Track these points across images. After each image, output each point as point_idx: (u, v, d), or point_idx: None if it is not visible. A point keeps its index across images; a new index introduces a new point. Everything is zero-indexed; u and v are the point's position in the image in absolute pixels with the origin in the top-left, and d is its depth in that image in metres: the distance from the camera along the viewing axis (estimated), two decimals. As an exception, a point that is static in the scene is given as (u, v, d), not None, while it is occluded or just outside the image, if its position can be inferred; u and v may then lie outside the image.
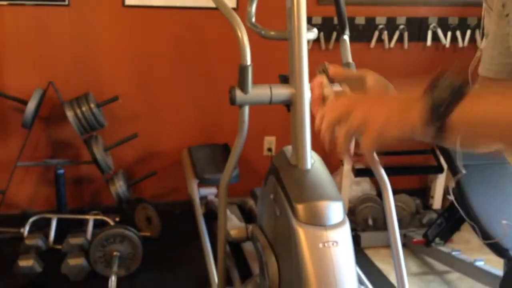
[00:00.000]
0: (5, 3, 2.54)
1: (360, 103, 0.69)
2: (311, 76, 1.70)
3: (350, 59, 1.78)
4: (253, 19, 1.93)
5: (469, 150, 0.65)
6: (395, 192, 2.07)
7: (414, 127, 0.63)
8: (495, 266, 2.28)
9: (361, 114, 0.67)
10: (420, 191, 3.14)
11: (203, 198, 2.77)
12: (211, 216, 2.53)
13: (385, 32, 2.94)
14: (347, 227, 1.53)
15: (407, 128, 0.64)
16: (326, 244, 1.47)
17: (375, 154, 1.89)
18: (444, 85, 0.61)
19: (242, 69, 1.61)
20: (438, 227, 2.47)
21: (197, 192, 2.63)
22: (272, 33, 1.73)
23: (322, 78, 0.93)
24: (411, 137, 0.64)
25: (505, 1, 0.80)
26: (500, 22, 0.83)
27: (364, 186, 2.99)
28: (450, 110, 0.60)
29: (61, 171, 2.62)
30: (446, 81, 0.62)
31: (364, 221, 2.78)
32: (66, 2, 2.60)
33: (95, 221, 2.60)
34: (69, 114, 2.45)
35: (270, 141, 2.97)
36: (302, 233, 1.49)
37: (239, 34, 1.60)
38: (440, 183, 2.99)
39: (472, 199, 2.19)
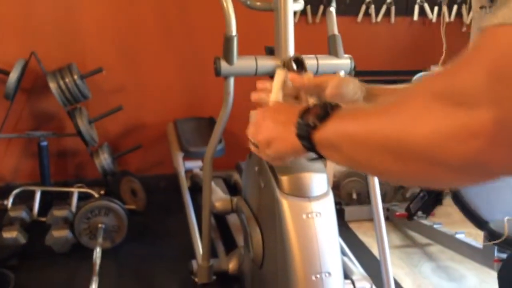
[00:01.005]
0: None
1: (258, 130, 0.80)
2: (297, 49, 1.69)
3: (336, 31, 1.77)
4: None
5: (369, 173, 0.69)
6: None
7: (294, 145, 0.70)
8: (475, 239, 2.32)
9: (259, 138, 0.80)
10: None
11: (188, 171, 2.77)
12: (196, 189, 2.54)
13: (372, 6, 2.92)
14: (330, 199, 1.55)
15: (290, 145, 0.71)
16: (309, 215, 1.48)
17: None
18: (304, 120, 0.67)
19: (227, 40, 1.60)
20: (420, 201, 2.50)
21: (182, 165, 2.63)
22: (258, 3, 1.71)
23: (266, 84, 0.94)
24: (298, 153, 0.71)
25: None
26: None
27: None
28: (310, 138, 0.66)
29: (44, 143, 2.60)
30: (306, 115, 0.67)
31: (348, 195, 2.81)
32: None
33: (80, 193, 2.60)
34: (52, 85, 2.41)
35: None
36: (286, 204, 1.51)
37: (224, 4, 1.58)
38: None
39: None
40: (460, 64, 0.49)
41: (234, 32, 1.60)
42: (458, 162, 0.49)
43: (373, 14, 2.92)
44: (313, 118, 0.65)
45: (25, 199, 2.55)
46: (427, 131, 0.50)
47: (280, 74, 0.93)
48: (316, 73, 1.75)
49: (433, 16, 2.97)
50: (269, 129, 0.77)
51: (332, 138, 0.63)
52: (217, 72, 1.64)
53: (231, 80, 1.69)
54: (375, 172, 0.66)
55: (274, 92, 0.90)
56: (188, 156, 2.59)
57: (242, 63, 1.65)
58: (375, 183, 1.90)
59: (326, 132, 0.64)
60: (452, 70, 0.50)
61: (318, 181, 1.55)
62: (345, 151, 0.61)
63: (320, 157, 0.67)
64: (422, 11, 2.97)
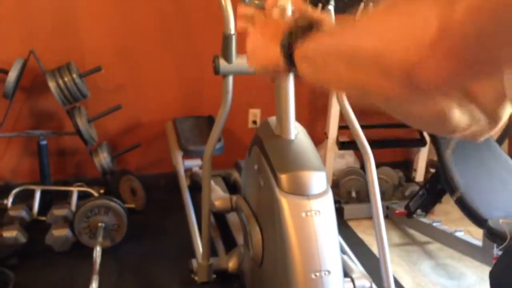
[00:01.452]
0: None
1: (248, 41, 0.83)
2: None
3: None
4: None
5: (335, 89, 0.72)
6: (378, 165, 2.09)
7: (276, 58, 0.72)
8: (474, 236, 2.33)
9: (248, 48, 0.83)
10: (403, 164, 3.18)
11: (187, 170, 2.77)
12: (196, 187, 2.54)
13: (371, 4, 2.92)
14: (329, 197, 1.55)
15: (272, 58, 0.73)
16: (308, 213, 1.49)
17: (359, 127, 1.89)
18: (289, 31, 0.70)
19: (226, 38, 1.60)
20: (419, 199, 2.50)
21: (182, 163, 2.63)
22: (256, 1, 1.71)
23: (247, 10, 0.92)
24: (277, 66, 0.73)
25: None
26: None
27: (348, 159, 3.01)
28: (291, 49, 0.69)
29: (44, 142, 2.60)
30: (292, 28, 0.70)
31: (348, 194, 2.81)
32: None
33: (79, 192, 2.60)
34: (51, 84, 2.41)
35: (255, 113, 2.96)
36: (285, 202, 1.51)
37: (223, 2, 1.58)
38: (423, 156, 3.03)
39: (454, 171, 2.22)
40: None
41: (232, 30, 1.60)
42: (399, 71, 0.48)
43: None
44: (296, 37, 0.69)
45: (25, 198, 2.56)
46: (377, 38, 0.50)
47: None
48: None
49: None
50: (256, 40, 0.81)
51: (309, 52, 0.66)
52: (216, 71, 1.65)
53: (230, 79, 1.69)
54: (335, 84, 0.67)
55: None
56: (187, 154, 2.60)
57: (241, 62, 1.65)
58: (374, 181, 1.90)
59: (305, 48, 0.67)
60: None
61: (317, 179, 1.55)
62: (318, 63, 0.64)
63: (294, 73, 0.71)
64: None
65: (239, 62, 1.64)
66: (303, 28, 0.69)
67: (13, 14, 2.57)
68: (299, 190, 1.51)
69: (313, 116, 3.03)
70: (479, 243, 2.22)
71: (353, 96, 0.66)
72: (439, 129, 0.84)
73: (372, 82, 0.53)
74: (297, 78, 0.81)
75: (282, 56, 0.71)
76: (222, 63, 1.63)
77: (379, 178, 1.99)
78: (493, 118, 0.83)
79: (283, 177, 1.53)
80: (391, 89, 0.51)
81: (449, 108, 0.75)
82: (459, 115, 0.80)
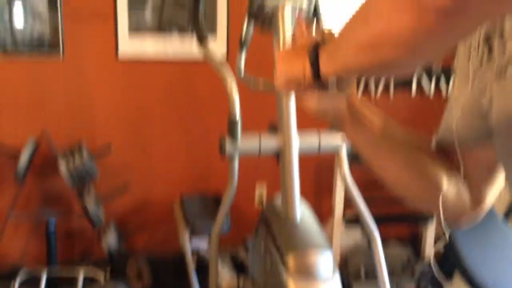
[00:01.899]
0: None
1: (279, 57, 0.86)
2: (299, 125, 1.74)
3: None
4: (242, 71, 1.99)
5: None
6: (386, 241, 2.08)
7: (302, 69, 0.78)
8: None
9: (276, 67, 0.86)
10: (411, 239, 3.14)
11: (195, 249, 2.76)
12: (203, 267, 2.51)
13: (372, 82, 3.02)
14: (337, 279, 1.54)
15: (299, 69, 0.79)
16: (316, 296, 1.47)
17: (363, 206, 1.90)
18: (312, 47, 0.76)
19: (231, 122, 1.66)
20: (429, 277, 2.46)
21: (189, 243, 2.62)
22: (261, 85, 1.78)
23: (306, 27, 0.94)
24: (303, 78, 0.78)
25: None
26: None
27: (355, 235, 2.99)
28: (317, 56, 0.75)
29: (53, 224, 2.61)
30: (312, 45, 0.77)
31: (356, 271, 2.77)
32: (61, 57, 2.66)
33: (85, 276, 2.57)
34: (62, 167, 2.46)
35: (261, 187, 2.97)
36: (292, 285, 1.49)
37: (229, 88, 1.65)
38: (431, 231, 3.00)
39: (464, 251, 2.20)
40: None
41: (238, 114, 1.66)
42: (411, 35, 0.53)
43: (372, 90, 3.02)
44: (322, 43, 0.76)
45: (31, 282, 2.53)
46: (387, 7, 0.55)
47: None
48: (319, 150, 1.79)
49: (430, 91, 3.06)
50: (283, 58, 0.85)
51: (331, 47, 0.73)
52: (222, 152, 1.69)
53: (236, 160, 1.73)
54: (355, 61, 0.68)
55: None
56: (194, 233, 2.59)
57: (246, 143, 1.70)
58: (381, 259, 1.88)
59: (327, 47, 0.74)
60: None
61: (325, 261, 1.55)
62: (339, 48, 0.71)
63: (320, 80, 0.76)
64: (420, 86, 3.06)
65: (244, 143, 1.69)
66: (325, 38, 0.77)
67: (26, 97, 2.68)
68: (306, 273, 1.50)
69: (319, 190, 3.04)
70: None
71: (371, 69, 0.68)
72: (427, 201, 0.86)
73: (386, 53, 0.58)
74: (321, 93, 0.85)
75: (309, 63, 0.76)
76: (228, 145, 1.67)
77: (387, 255, 1.96)
78: (477, 197, 0.86)
79: (290, 260, 1.52)
80: (410, 21, 0.52)
81: (440, 176, 0.78)
82: (447, 185, 0.83)
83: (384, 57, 0.59)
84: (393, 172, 0.90)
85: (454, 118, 0.80)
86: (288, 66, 0.83)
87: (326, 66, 0.74)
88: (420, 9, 0.51)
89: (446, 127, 0.84)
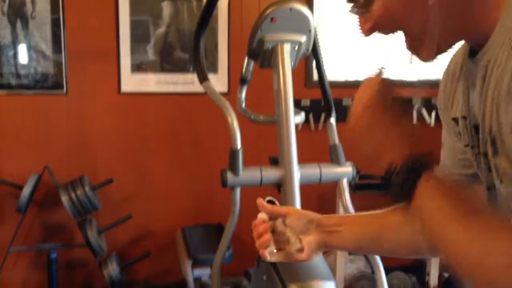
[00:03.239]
0: (4, 93, 2.65)
1: None
2: (300, 157, 1.76)
3: (336, 141, 1.85)
4: (243, 104, 2.02)
5: None
6: (390, 269, 2.07)
7: None
8: None
9: None
10: (415, 267, 3.12)
11: (197, 279, 2.74)
12: (205, 297, 2.50)
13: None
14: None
15: None
16: (319, 327, 1.46)
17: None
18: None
19: (233, 153, 1.68)
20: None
21: (191, 273, 2.61)
22: (261, 117, 1.81)
23: (263, 216, 1.00)
24: None
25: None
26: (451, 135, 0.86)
27: (359, 263, 2.97)
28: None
29: (54, 255, 2.61)
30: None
31: (360, 300, 2.75)
32: (64, 91, 2.70)
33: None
34: (64, 198, 2.47)
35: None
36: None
37: (230, 120, 1.68)
38: (435, 259, 2.98)
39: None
40: None
41: (239, 146, 1.68)
42: None
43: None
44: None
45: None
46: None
47: (262, 215, 0.99)
48: (320, 181, 1.81)
49: (430, 120, 3.08)
50: None
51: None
52: (224, 183, 1.70)
53: (238, 190, 1.74)
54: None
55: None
56: (196, 263, 2.58)
57: (248, 174, 1.71)
58: (385, 287, 1.88)
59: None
60: None
61: (327, 289, 1.54)
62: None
63: None
64: (420, 116, 3.09)
65: (245, 174, 1.70)
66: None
67: (29, 132, 2.71)
68: (309, 303, 1.49)
69: (321, 220, 3.04)
70: None
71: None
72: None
73: None
74: None
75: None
76: (230, 176, 1.69)
77: (391, 284, 1.96)
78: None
79: (292, 289, 1.52)
80: None
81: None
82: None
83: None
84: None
85: (442, 157, 0.87)
86: None
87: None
88: None
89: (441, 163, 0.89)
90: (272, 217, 0.99)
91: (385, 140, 0.74)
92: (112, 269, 2.62)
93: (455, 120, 0.81)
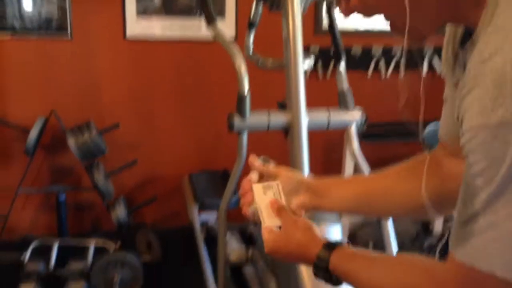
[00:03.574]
0: (8, 37, 2.61)
1: (276, 250, 0.91)
2: (308, 103, 1.75)
3: (345, 87, 1.83)
4: (251, 50, 1.98)
5: None
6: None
7: (307, 260, 0.86)
8: None
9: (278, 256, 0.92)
10: (419, 215, 3.15)
11: (203, 223, 2.79)
12: (212, 241, 2.55)
13: (382, 62, 2.99)
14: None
15: (303, 259, 0.88)
16: (323, 268, 1.48)
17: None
18: (318, 264, 0.83)
19: (240, 98, 1.66)
20: (438, 251, 2.48)
21: (198, 217, 2.65)
22: (270, 62, 1.78)
23: (252, 175, 0.99)
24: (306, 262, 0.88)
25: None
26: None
27: (363, 210, 3.00)
28: (326, 272, 0.82)
29: (63, 197, 2.65)
30: (319, 262, 0.83)
31: (365, 246, 2.79)
32: (69, 36, 2.67)
33: (96, 246, 2.62)
34: (71, 141, 2.48)
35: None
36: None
37: (237, 65, 1.65)
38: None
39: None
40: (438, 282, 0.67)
41: (246, 90, 1.66)
42: None
43: (383, 70, 2.99)
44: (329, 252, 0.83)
45: (42, 252, 2.58)
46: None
47: (258, 191, 0.96)
48: (328, 127, 1.80)
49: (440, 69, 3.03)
50: (284, 255, 0.91)
51: (340, 274, 0.82)
52: (231, 128, 1.70)
53: (245, 135, 1.74)
54: None
55: (266, 216, 0.93)
56: (203, 208, 2.62)
57: (255, 118, 1.70)
58: (390, 234, 1.90)
59: (336, 269, 0.82)
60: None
61: (333, 231, 1.57)
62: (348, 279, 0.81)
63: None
64: (430, 65, 3.04)
65: (253, 119, 1.69)
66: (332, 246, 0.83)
67: (35, 76, 2.70)
68: (313, 245, 1.52)
69: (328, 167, 3.04)
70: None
71: None
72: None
73: None
74: None
75: (318, 266, 0.83)
76: (237, 120, 1.68)
77: (396, 230, 1.98)
78: None
79: (298, 232, 1.54)
80: None
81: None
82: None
83: None
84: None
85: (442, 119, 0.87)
86: (288, 252, 0.89)
87: (336, 273, 0.81)
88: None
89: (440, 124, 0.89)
90: (263, 177, 0.99)
91: None
92: (120, 212, 2.66)
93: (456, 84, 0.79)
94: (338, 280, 0.83)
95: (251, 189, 0.96)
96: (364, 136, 2.81)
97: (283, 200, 0.93)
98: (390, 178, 0.95)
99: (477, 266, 0.59)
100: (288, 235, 0.89)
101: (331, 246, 0.83)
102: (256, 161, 1.00)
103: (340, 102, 1.82)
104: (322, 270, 0.82)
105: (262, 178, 0.99)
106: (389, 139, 2.93)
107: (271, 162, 1.03)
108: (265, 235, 0.91)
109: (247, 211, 0.96)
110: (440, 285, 0.67)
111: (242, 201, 0.98)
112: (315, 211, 0.99)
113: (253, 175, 0.99)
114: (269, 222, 0.92)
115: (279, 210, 0.92)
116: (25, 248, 2.57)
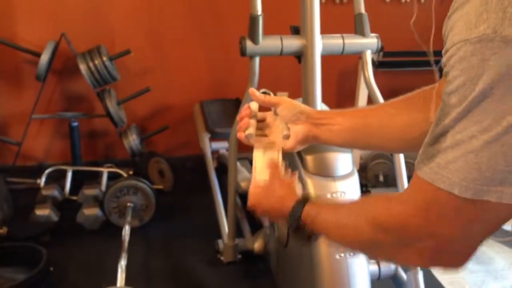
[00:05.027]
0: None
1: (259, 202, 0.97)
2: (322, 28, 1.68)
3: (362, 10, 1.75)
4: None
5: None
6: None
7: (283, 213, 0.91)
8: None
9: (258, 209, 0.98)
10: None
11: (214, 152, 2.80)
12: (222, 169, 2.56)
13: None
14: (355, 178, 1.55)
15: (281, 211, 0.92)
16: (334, 195, 1.49)
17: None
18: (292, 215, 0.89)
19: (253, 19, 1.60)
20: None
21: (209, 146, 2.65)
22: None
23: (252, 105, 1.02)
24: (282, 216, 0.92)
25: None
26: None
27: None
28: (298, 222, 0.88)
29: (75, 124, 2.66)
30: (293, 212, 0.89)
31: (375, 177, 2.79)
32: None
33: (109, 173, 2.65)
34: (82, 66, 2.45)
35: (282, 94, 2.95)
36: (310, 183, 1.51)
37: (250, -17, 1.58)
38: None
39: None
40: (398, 201, 0.68)
41: (259, 11, 1.60)
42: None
43: (402, -6, 2.87)
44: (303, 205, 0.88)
45: (57, 178, 2.63)
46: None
47: (258, 154, 1.01)
48: (343, 52, 1.74)
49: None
50: (265, 208, 0.97)
51: (311, 219, 0.87)
52: (243, 52, 1.65)
53: (257, 60, 1.69)
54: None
55: (259, 171, 0.98)
56: (214, 137, 2.61)
57: (268, 43, 1.65)
58: (402, 165, 1.88)
59: (308, 215, 0.87)
60: (391, 205, 0.69)
61: (343, 160, 1.55)
62: (322, 229, 0.86)
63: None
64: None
65: (265, 43, 1.64)
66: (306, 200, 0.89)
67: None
68: (324, 172, 1.51)
69: (341, 97, 3.00)
70: (509, 228, 2.19)
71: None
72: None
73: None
74: None
75: (291, 216, 0.88)
76: (249, 44, 1.63)
77: (407, 162, 1.96)
78: None
79: (309, 159, 1.53)
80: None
81: None
82: None
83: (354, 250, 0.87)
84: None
85: None
86: (268, 205, 0.94)
87: (307, 223, 0.86)
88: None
89: None
90: (265, 107, 1.01)
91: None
92: (132, 139, 2.67)
93: None
94: (311, 235, 0.88)
95: (248, 116, 0.99)
96: (379, 64, 2.74)
97: (280, 164, 0.98)
98: (387, 110, 0.94)
99: (437, 184, 0.59)
100: (271, 190, 0.95)
101: (305, 199, 0.88)
102: (255, 92, 1.01)
103: (356, 27, 1.75)
104: (295, 221, 0.87)
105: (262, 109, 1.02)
106: (404, 67, 2.86)
107: (272, 95, 1.04)
108: (251, 189, 0.97)
109: (242, 135, 0.99)
110: (400, 203, 0.67)
111: (238, 125, 1.00)
112: (313, 143, 0.99)
113: (252, 105, 1.01)
114: (259, 176, 0.97)
115: (271, 166, 0.97)
116: (40, 174, 2.61)
